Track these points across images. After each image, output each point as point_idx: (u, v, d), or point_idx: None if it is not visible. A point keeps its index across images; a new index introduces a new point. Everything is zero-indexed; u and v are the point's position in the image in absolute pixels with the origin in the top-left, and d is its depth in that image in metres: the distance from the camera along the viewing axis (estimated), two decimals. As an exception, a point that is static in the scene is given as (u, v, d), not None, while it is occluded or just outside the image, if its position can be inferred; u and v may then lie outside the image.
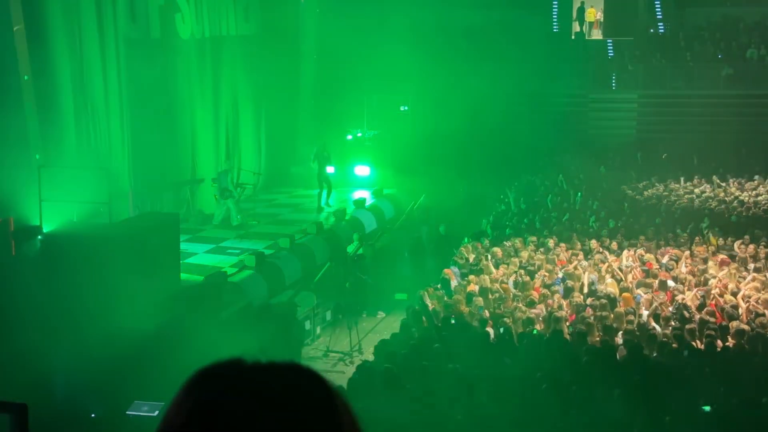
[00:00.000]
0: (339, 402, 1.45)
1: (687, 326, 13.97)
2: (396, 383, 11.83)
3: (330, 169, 27.57)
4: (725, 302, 15.33)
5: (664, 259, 18.12)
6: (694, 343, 13.55)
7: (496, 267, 17.93)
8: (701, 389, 11.79)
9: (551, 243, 19.29)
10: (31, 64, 17.97)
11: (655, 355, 13.12)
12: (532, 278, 17.08)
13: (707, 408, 11.20)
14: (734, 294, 15.75)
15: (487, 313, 15.19)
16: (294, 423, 1.38)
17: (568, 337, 13.89)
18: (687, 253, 18.65)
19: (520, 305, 15.33)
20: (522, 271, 17.57)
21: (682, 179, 26.84)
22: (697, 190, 25.26)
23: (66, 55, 19.12)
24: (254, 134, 28.81)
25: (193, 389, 1.43)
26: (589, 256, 18.50)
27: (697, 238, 19.92)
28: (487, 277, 17.26)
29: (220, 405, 1.39)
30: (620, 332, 14.04)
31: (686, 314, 14.68)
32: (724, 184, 25.89)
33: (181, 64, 24.38)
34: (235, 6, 27.40)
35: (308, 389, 1.43)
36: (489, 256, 18.72)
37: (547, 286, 16.55)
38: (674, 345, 13.42)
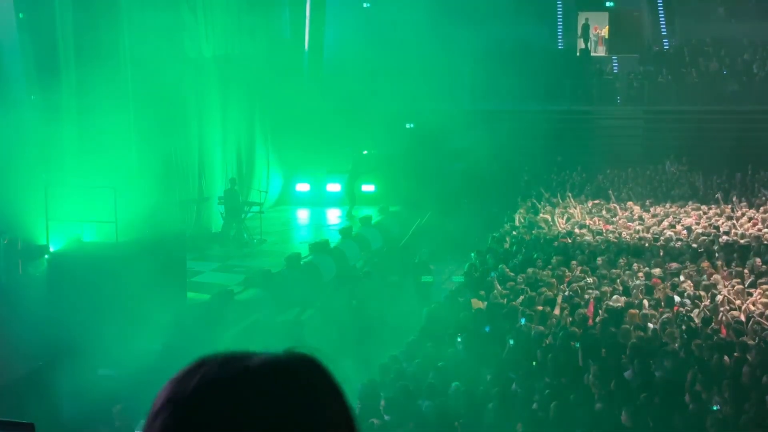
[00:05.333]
0: (329, 389, 1.46)
1: (694, 341, 13.93)
2: (403, 401, 11.82)
3: (337, 187, 27.86)
4: (732, 317, 15.28)
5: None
6: (702, 359, 13.50)
7: (504, 282, 17.90)
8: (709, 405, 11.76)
9: (555, 260, 19.29)
10: (38, 83, 18.03)
11: (661, 371, 13.07)
12: (539, 294, 17.04)
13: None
14: (741, 309, 15.71)
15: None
16: (281, 408, 1.39)
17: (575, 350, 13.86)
18: (693, 267, 18.61)
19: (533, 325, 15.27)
20: (528, 288, 17.53)
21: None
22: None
23: (73, 74, 19.17)
24: (261, 152, 28.88)
25: (168, 396, 1.44)
26: (596, 272, 18.46)
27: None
28: (495, 293, 17.24)
29: (195, 413, 1.39)
30: (627, 348, 13.99)
31: (693, 329, 14.64)
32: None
33: (189, 83, 24.44)
34: (242, 25, 27.50)
35: (294, 393, 1.42)
36: (496, 272, 18.70)
37: (553, 302, 16.50)
38: (681, 360, 13.37)
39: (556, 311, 16.04)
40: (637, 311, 15.68)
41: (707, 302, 16.09)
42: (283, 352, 1.49)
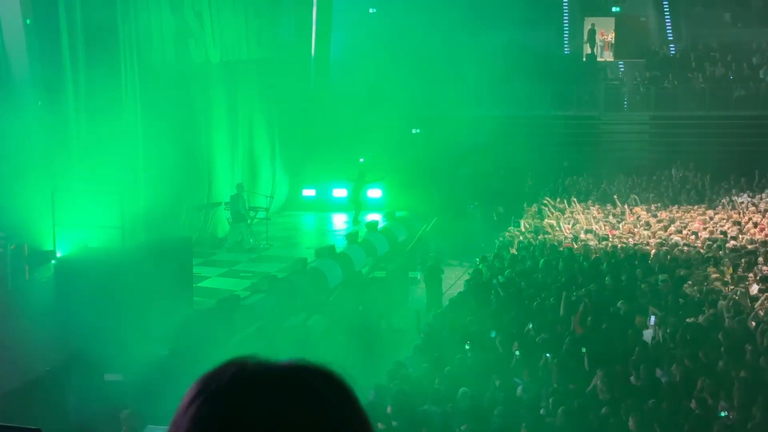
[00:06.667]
0: (352, 407, 1.46)
1: (701, 347, 13.91)
2: (409, 406, 11.82)
3: (343, 192, 27.95)
4: (740, 323, 15.24)
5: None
6: (709, 364, 13.47)
7: (510, 287, 17.90)
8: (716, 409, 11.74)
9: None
10: (45, 88, 18.07)
11: (668, 377, 13.06)
12: (546, 299, 17.04)
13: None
14: (748, 314, 15.68)
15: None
16: (306, 426, 1.38)
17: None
18: (700, 273, 18.58)
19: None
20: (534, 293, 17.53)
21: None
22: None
23: (80, 80, 19.21)
24: (267, 157, 28.91)
25: (202, 387, 1.43)
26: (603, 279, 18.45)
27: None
28: (500, 297, 17.25)
29: (229, 403, 1.39)
30: (634, 354, 13.98)
31: (700, 335, 14.62)
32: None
33: (196, 89, 24.47)
34: (248, 30, 27.54)
35: (323, 392, 1.43)
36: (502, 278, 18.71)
37: (557, 307, 16.49)
38: (688, 366, 13.35)
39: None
40: (644, 317, 15.69)
41: (712, 310, 16.06)
42: (304, 361, 1.50)
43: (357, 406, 1.48)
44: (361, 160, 31.31)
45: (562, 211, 25.52)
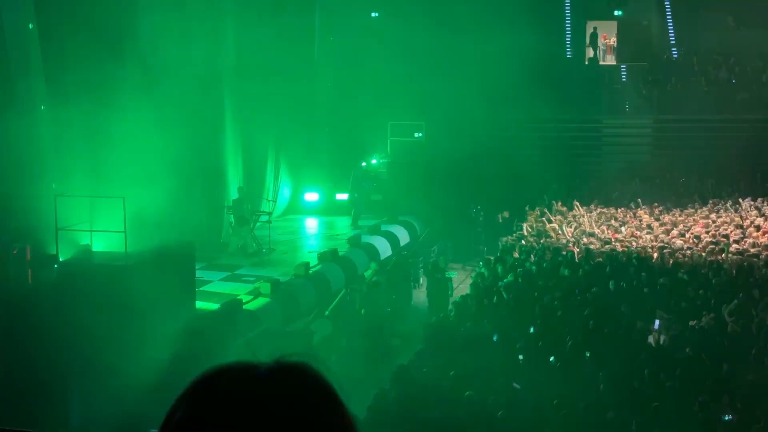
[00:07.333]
0: (334, 410, 1.46)
1: (704, 350, 13.89)
2: (413, 410, 11.81)
3: (345, 196, 27.91)
4: (741, 326, 15.23)
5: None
6: (712, 367, 13.46)
7: (513, 290, 17.88)
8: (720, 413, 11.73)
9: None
10: (48, 92, 18.07)
11: (672, 381, 13.04)
12: (548, 302, 17.02)
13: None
14: (752, 318, 15.66)
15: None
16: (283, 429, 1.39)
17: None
18: (703, 275, 18.56)
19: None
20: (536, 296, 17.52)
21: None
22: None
23: (83, 84, 19.21)
24: (270, 161, 28.91)
25: (189, 393, 1.45)
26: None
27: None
28: (504, 300, 17.24)
29: (213, 409, 1.41)
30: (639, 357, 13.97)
31: (703, 338, 14.61)
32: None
33: (199, 93, 24.46)
34: (250, 34, 27.53)
35: (302, 393, 1.45)
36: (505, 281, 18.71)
37: (558, 309, 16.48)
38: (692, 369, 13.34)
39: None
40: (647, 320, 15.68)
41: (714, 313, 16.04)
42: (281, 360, 1.50)
43: (337, 405, 1.48)
44: (374, 161, 31.40)
45: (565, 215, 25.52)
